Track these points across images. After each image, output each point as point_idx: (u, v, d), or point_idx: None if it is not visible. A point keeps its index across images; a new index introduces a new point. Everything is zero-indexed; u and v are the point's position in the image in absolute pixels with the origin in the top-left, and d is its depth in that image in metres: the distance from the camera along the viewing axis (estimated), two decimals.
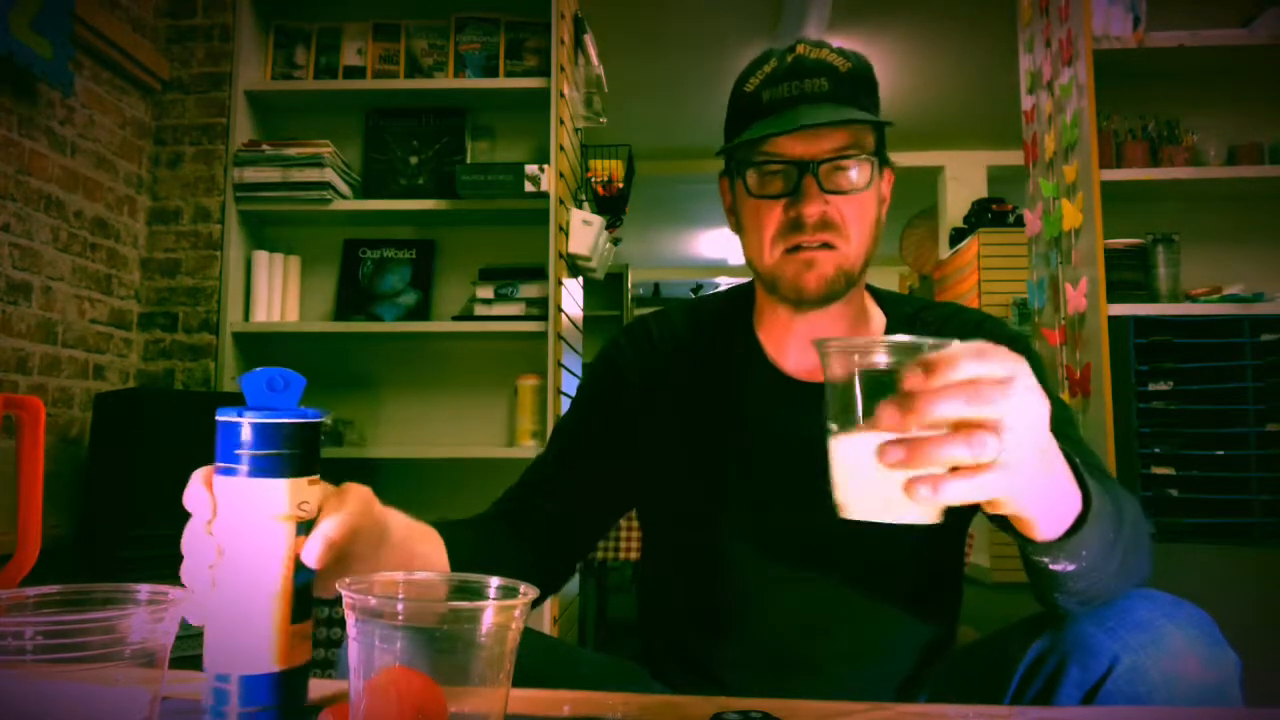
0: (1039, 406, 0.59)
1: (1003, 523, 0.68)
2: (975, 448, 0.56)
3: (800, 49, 0.94)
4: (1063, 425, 0.95)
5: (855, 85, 0.93)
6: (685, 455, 1.01)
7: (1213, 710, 0.73)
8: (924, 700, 0.92)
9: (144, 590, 0.56)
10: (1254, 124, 2.66)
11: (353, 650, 0.55)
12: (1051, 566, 0.70)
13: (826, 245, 0.91)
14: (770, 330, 1.02)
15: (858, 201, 0.92)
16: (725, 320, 1.07)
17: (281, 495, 0.58)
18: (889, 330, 1.03)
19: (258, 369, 0.60)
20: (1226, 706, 0.73)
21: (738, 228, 1.00)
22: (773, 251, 0.93)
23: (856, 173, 0.92)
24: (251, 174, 2.59)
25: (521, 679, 0.58)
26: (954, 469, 0.57)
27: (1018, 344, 1.00)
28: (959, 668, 0.93)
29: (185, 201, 2.63)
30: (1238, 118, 2.68)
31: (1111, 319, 2.44)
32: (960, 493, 0.57)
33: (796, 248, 0.92)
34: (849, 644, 0.96)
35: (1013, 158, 4.65)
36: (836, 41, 0.97)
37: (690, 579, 1.02)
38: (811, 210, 0.90)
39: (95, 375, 2.40)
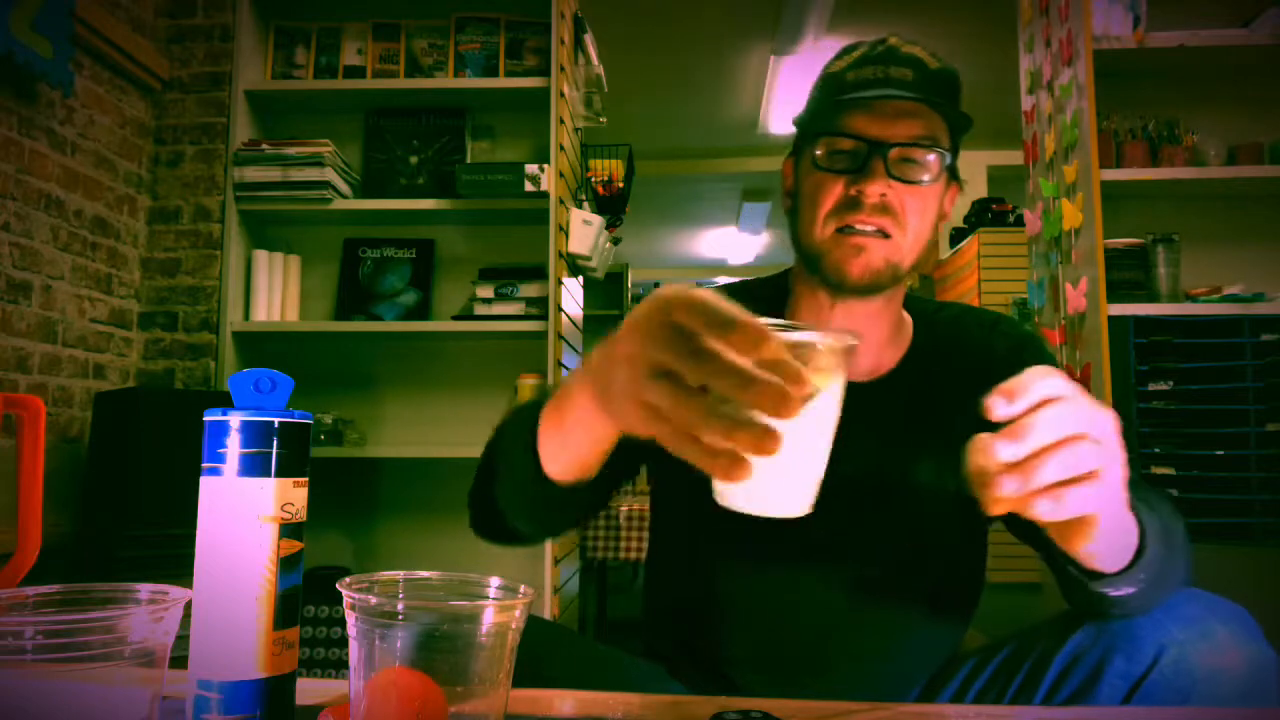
0: (1111, 419, 0.57)
1: (1046, 553, 0.67)
2: (1081, 459, 0.54)
3: (893, 40, 0.94)
4: None
5: (941, 84, 0.91)
6: None
7: (1223, 711, 0.73)
8: (945, 700, 0.91)
9: (144, 590, 0.56)
10: (1254, 124, 2.66)
11: (353, 650, 0.55)
12: (1112, 594, 0.70)
13: (880, 232, 0.90)
14: (803, 321, 1.00)
15: (920, 195, 0.91)
16: (755, 309, 1.05)
17: (267, 495, 0.57)
18: (915, 336, 1.02)
19: (246, 370, 0.60)
20: (1265, 705, 0.73)
21: (792, 206, 0.99)
22: (825, 227, 0.92)
23: (925, 166, 0.91)
24: (251, 173, 2.59)
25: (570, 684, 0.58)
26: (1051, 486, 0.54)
27: (1031, 342, 1.00)
28: (982, 667, 0.92)
29: (185, 201, 2.63)
30: (1238, 118, 2.68)
31: (1111, 319, 2.43)
32: (1072, 505, 0.54)
33: (849, 229, 0.91)
34: (863, 644, 0.95)
35: (1013, 158, 4.64)
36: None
37: (700, 576, 1.00)
38: (873, 190, 0.89)
39: (95, 374, 2.39)
